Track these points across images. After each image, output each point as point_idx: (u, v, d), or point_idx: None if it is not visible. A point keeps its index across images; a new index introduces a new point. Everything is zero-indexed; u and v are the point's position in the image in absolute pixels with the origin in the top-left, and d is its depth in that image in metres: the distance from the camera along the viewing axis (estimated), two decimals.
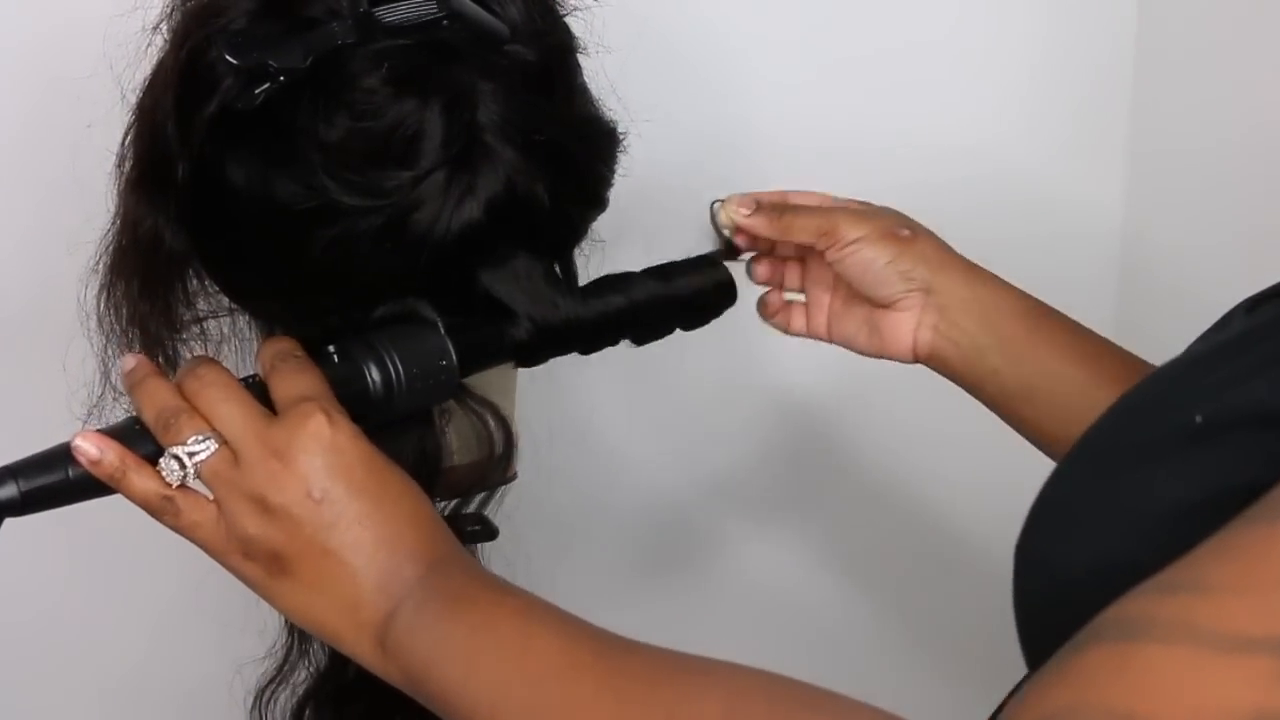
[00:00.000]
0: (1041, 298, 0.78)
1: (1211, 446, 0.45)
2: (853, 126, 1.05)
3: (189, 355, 0.70)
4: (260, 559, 0.59)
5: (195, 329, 0.70)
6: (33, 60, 0.90)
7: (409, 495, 0.60)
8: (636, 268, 0.73)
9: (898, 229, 0.77)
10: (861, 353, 0.80)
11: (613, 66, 0.69)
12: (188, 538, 0.60)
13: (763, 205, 0.78)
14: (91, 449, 0.59)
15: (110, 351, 0.70)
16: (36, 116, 0.91)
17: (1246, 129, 0.99)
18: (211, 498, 0.59)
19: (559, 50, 0.66)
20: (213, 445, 0.59)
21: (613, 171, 0.69)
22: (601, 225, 0.70)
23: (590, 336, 0.70)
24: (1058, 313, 0.77)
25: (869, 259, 0.76)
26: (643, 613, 1.04)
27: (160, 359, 0.69)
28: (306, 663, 0.71)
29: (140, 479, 0.59)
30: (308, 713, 0.72)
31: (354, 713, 0.71)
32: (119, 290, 0.68)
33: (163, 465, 0.59)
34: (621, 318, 0.70)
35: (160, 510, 0.59)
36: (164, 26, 0.65)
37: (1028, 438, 0.77)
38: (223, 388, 0.60)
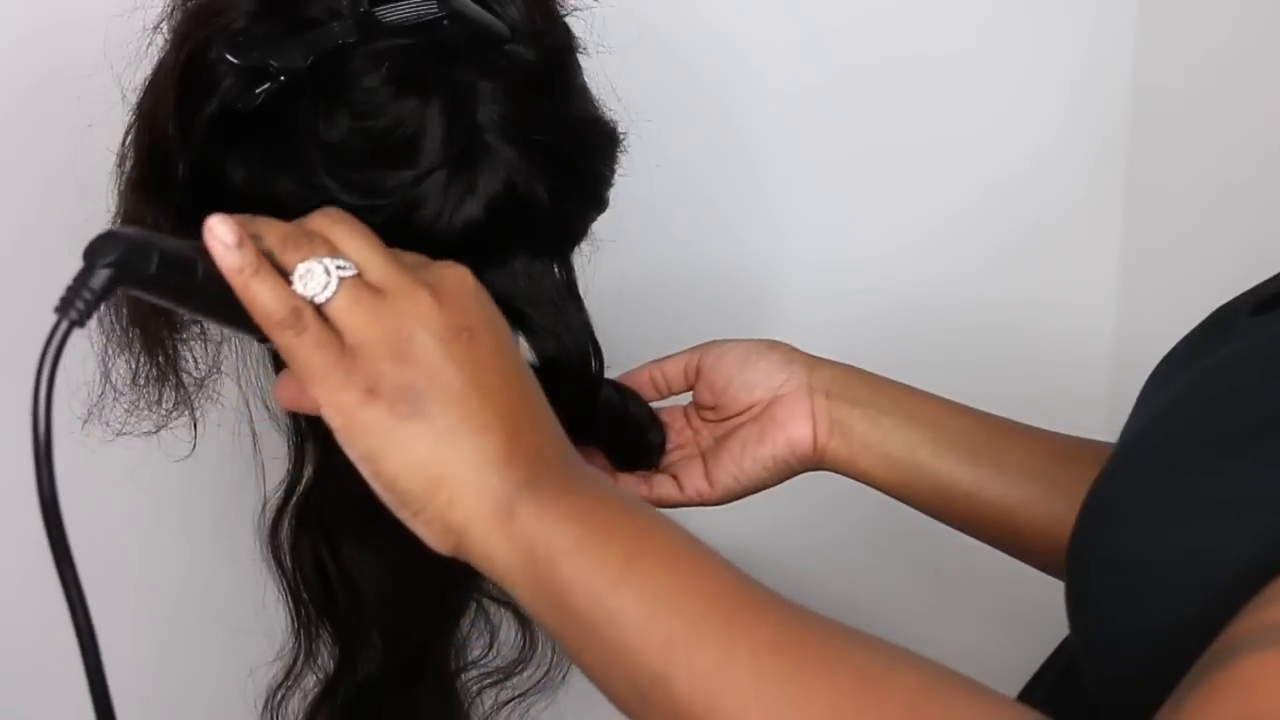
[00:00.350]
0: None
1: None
2: (852, 127, 1.05)
3: (189, 355, 0.70)
4: (388, 398, 0.52)
5: (195, 329, 0.70)
6: (33, 60, 0.90)
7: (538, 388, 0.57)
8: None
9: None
10: (751, 482, 0.76)
11: (613, 66, 0.69)
12: (300, 367, 0.53)
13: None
14: (228, 233, 0.53)
15: (110, 351, 0.70)
16: (37, 116, 0.91)
17: (1246, 139, 0.99)
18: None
19: (559, 50, 0.66)
20: (353, 269, 0.54)
21: (613, 171, 0.69)
22: (601, 225, 0.70)
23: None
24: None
25: (742, 354, 0.76)
26: None
27: (160, 359, 0.69)
28: (315, 665, 0.71)
29: (271, 282, 0.53)
30: (320, 716, 0.72)
31: (366, 714, 0.71)
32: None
33: (301, 273, 0.53)
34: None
35: (284, 324, 0.53)
36: (164, 26, 0.65)
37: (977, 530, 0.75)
38: (356, 224, 0.56)
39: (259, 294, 0.53)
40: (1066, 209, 1.11)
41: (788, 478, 0.76)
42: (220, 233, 0.53)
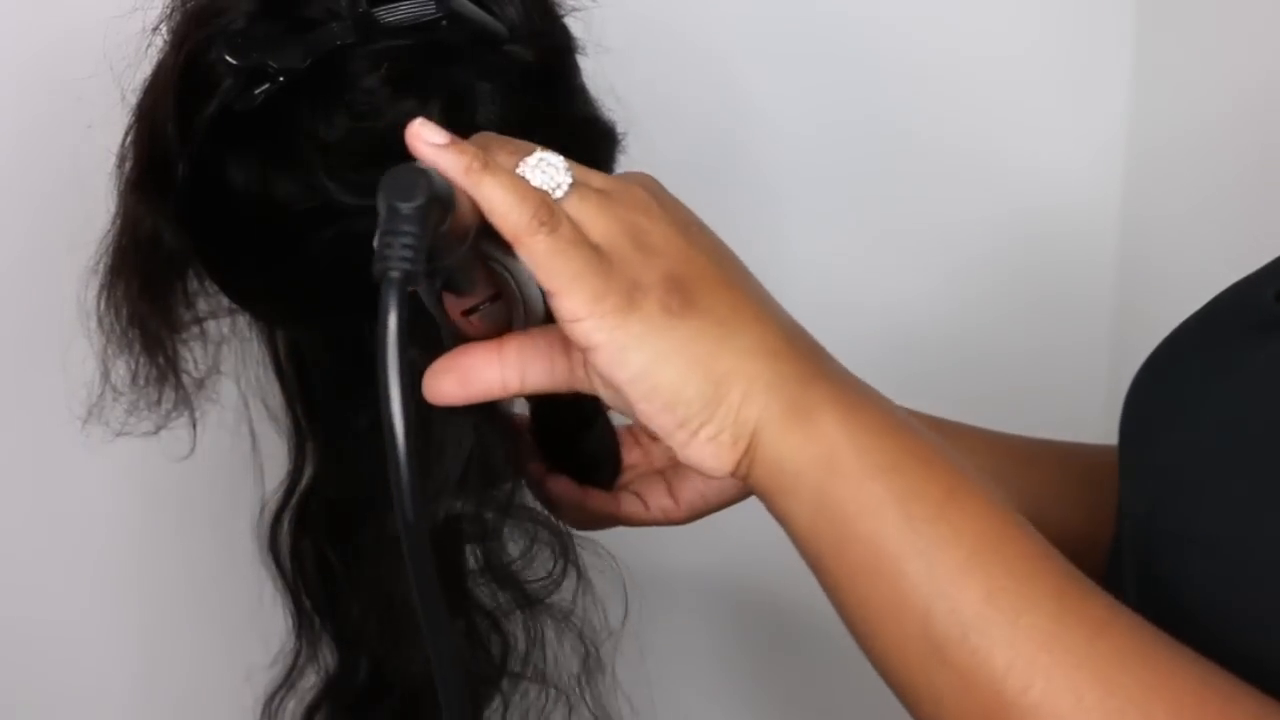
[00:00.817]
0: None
1: None
2: (852, 127, 1.05)
3: (189, 355, 0.70)
4: (657, 294, 0.47)
5: (195, 329, 0.70)
6: (33, 61, 0.90)
7: None
8: None
9: None
10: (718, 500, 0.72)
11: (612, 67, 0.70)
12: (557, 273, 0.47)
13: None
14: (435, 133, 0.48)
15: (110, 351, 0.70)
16: (37, 117, 0.91)
17: (1245, 123, 0.99)
18: None
19: (558, 50, 0.66)
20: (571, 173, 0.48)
21: (612, 172, 0.69)
22: None
23: None
24: None
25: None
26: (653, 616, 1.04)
27: (160, 359, 0.69)
28: (315, 668, 0.71)
29: (506, 176, 0.47)
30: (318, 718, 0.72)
31: (365, 718, 0.71)
32: (119, 290, 0.68)
33: (532, 165, 0.48)
34: None
35: (536, 219, 0.46)
36: (164, 27, 0.65)
37: None
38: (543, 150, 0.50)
39: (497, 191, 0.46)
40: (1065, 213, 1.11)
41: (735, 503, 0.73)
42: (427, 134, 0.47)
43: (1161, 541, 0.49)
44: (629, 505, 0.74)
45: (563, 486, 0.73)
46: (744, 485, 0.55)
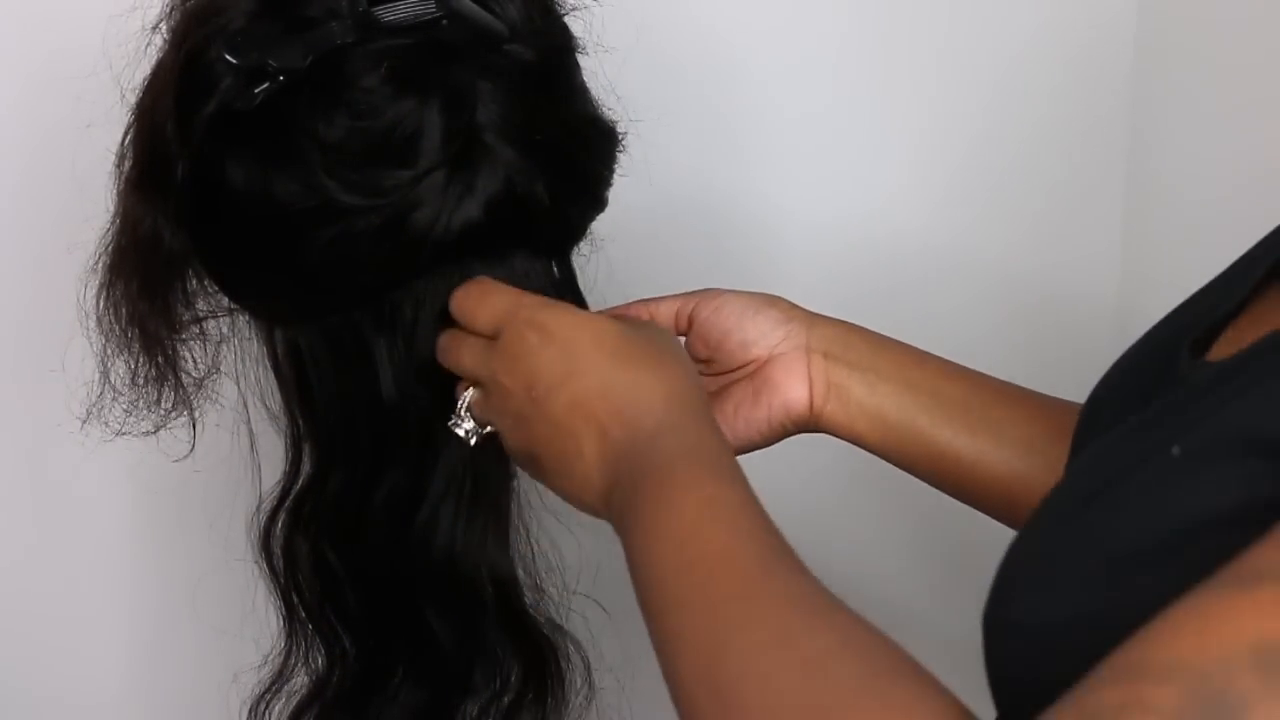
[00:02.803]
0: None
1: (1190, 477, 0.44)
2: (852, 127, 1.05)
3: (188, 355, 0.70)
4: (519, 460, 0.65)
5: (195, 329, 0.70)
6: (33, 60, 0.90)
7: (610, 367, 0.61)
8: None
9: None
10: (742, 444, 0.74)
11: (612, 66, 0.69)
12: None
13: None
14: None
15: (109, 351, 0.70)
16: (36, 116, 0.91)
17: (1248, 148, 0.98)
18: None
19: (558, 50, 0.66)
20: (470, 391, 0.65)
21: (612, 171, 0.69)
22: (600, 225, 0.70)
23: None
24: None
25: (739, 309, 0.73)
26: None
27: (159, 359, 0.69)
28: (305, 670, 0.71)
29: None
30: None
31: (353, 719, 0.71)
32: (118, 290, 0.68)
33: (459, 407, 0.65)
34: None
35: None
36: (163, 26, 0.65)
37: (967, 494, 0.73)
38: (450, 338, 0.65)
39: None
40: (1069, 162, 1.10)
41: (781, 439, 0.74)
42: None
43: (991, 629, 0.48)
44: None
45: None
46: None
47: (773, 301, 0.74)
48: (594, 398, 0.60)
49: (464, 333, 0.64)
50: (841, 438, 0.73)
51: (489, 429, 0.65)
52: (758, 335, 0.73)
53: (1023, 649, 0.46)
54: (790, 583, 0.51)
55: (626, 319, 0.68)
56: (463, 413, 0.65)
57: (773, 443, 0.74)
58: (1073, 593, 0.45)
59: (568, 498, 0.63)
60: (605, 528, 0.60)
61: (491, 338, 0.63)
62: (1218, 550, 0.40)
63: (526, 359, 0.61)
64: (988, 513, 0.73)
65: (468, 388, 0.65)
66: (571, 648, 0.72)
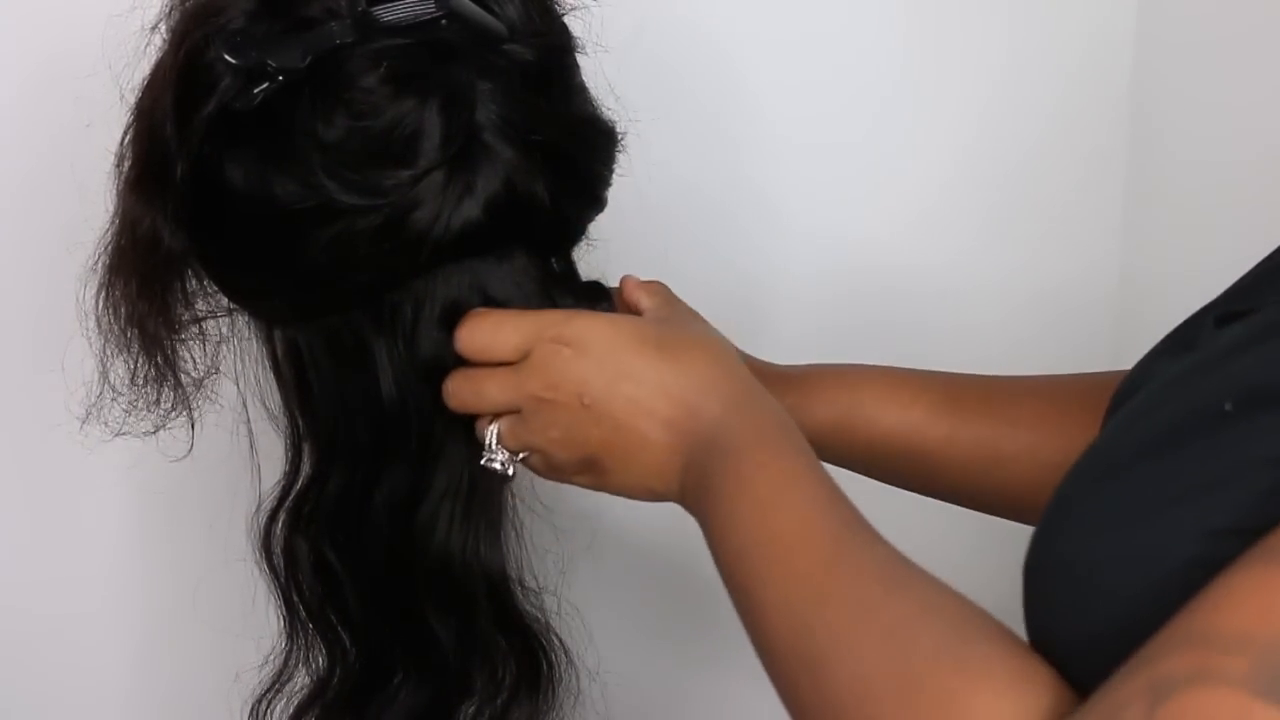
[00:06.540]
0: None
1: (1241, 429, 0.44)
2: (851, 127, 1.05)
3: (187, 356, 0.70)
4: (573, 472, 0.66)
5: (194, 329, 0.70)
6: (32, 60, 0.90)
7: (670, 357, 0.63)
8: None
9: None
10: None
11: (611, 66, 0.69)
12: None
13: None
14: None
15: (108, 351, 0.70)
16: (35, 116, 0.91)
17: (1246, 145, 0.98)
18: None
19: (557, 50, 0.66)
20: (497, 425, 0.65)
21: (611, 171, 0.69)
22: (600, 225, 0.70)
23: None
24: None
25: None
26: (660, 608, 1.04)
27: (159, 359, 0.69)
28: (307, 670, 0.71)
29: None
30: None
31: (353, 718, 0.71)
32: (117, 290, 0.68)
33: (488, 443, 0.66)
34: None
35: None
36: (163, 26, 0.65)
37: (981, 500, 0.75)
38: (468, 379, 0.65)
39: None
40: (1069, 162, 1.10)
41: None
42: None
43: (1035, 571, 0.50)
44: None
45: None
46: None
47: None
48: (653, 394, 0.63)
49: (476, 370, 0.65)
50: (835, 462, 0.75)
51: (523, 455, 0.66)
52: None
53: (1076, 588, 0.47)
54: (868, 552, 0.54)
55: (650, 316, 0.70)
56: (494, 446, 0.66)
57: None
58: (1137, 533, 0.45)
59: (634, 491, 0.65)
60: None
61: (512, 363, 0.64)
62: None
63: (567, 371, 0.63)
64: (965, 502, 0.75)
65: (491, 422, 0.66)
66: (560, 648, 0.72)
